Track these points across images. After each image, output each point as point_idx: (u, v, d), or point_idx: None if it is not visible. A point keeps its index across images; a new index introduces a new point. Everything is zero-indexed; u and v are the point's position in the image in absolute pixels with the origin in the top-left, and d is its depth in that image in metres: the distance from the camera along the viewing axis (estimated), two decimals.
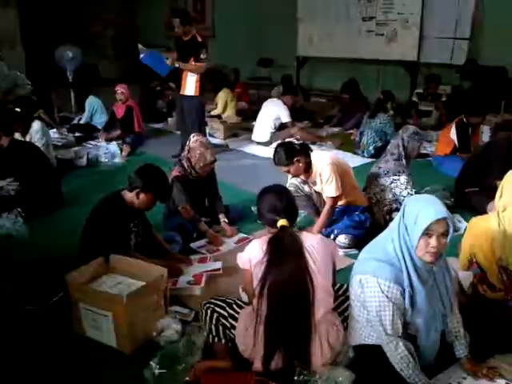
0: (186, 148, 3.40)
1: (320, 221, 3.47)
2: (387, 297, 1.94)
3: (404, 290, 1.96)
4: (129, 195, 2.76)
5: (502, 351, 2.28)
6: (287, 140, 5.38)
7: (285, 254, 2.05)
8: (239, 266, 2.24)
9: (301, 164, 3.38)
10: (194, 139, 3.38)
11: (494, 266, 2.43)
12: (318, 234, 2.23)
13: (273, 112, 6.05)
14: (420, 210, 1.90)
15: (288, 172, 3.47)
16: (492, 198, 3.68)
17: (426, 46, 7.80)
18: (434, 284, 2.04)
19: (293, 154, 3.36)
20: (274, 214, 2.16)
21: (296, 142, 4.03)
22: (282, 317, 2.04)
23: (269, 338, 2.04)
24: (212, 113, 6.96)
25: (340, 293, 2.38)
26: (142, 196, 2.74)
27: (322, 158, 3.45)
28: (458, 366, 2.16)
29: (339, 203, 3.55)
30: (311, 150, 3.53)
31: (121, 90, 5.98)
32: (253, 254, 2.13)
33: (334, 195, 3.41)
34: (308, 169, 3.44)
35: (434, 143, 5.67)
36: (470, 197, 3.92)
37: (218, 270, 3.04)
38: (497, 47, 7.00)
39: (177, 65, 5.05)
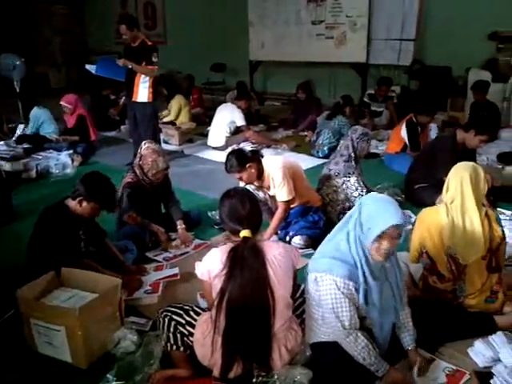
0: (138, 155, 3.36)
1: (272, 225, 3.48)
2: (343, 293, 1.98)
3: (359, 286, 2.01)
4: (72, 203, 2.68)
5: (452, 339, 2.38)
6: (241, 145, 5.46)
7: (245, 267, 1.99)
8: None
9: (253, 170, 3.38)
10: (145, 146, 3.34)
11: (443, 255, 2.51)
12: (280, 243, 2.16)
13: (227, 116, 6.06)
14: (377, 215, 1.94)
15: (240, 179, 3.46)
16: (439, 193, 3.86)
17: (374, 48, 8.04)
18: (385, 279, 2.10)
19: (244, 161, 3.34)
20: (236, 223, 2.08)
21: (249, 148, 4.06)
22: (240, 329, 2.01)
23: (227, 349, 2.02)
24: (164, 119, 6.88)
25: (298, 295, 2.39)
26: (84, 204, 2.66)
27: (273, 163, 3.46)
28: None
29: (293, 205, 3.59)
30: (262, 156, 3.56)
31: (63, 103, 5.85)
32: (212, 266, 2.06)
33: (287, 199, 3.44)
34: (260, 175, 3.44)
35: (386, 142, 5.81)
36: (419, 193, 4.04)
37: (176, 275, 3.00)
38: (441, 47, 7.30)
39: (130, 66, 4.96)
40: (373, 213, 1.95)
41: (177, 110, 6.99)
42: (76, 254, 2.70)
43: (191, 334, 2.16)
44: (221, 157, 5.63)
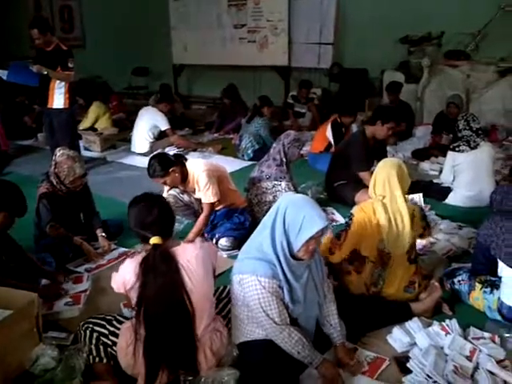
0: (53, 163, 3.20)
1: (196, 227, 3.47)
2: (269, 292, 2.01)
3: (282, 285, 2.05)
4: None
5: (373, 328, 2.48)
6: (166, 150, 5.38)
7: (157, 275, 1.94)
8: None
9: (177, 174, 3.34)
10: (59, 153, 3.19)
11: (375, 251, 2.60)
12: (198, 243, 2.13)
13: (149, 121, 5.93)
14: (304, 220, 1.97)
15: (165, 184, 3.42)
16: (357, 189, 4.03)
17: (295, 52, 8.23)
18: (309, 276, 2.15)
19: (167, 165, 3.30)
20: (144, 230, 2.01)
21: (173, 152, 4.02)
22: (161, 338, 1.97)
23: (149, 359, 1.98)
24: (80, 127, 6.52)
25: (223, 295, 2.40)
26: None
27: (197, 166, 3.45)
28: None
29: (218, 208, 3.59)
30: (186, 159, 3.53)
31: None
32: (126, 278, 2.00)
33: (212, 201, 3.44)
34: (184, 178, 3.41)
35: (309, 143, 5.96)
36: (339, 190, 4.18)
37: (85, 291, 2.87)
38: (358, 51, 7.61)
39: (45, 72, 4.72)
40: (298, 219, 1.98)
41: (94, 117, 6.70)
42: None
43: (115, 344, 2.11)
44: (145, 162, 5.52)
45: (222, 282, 2.77)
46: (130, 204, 2.11)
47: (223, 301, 2.38)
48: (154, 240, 1.98)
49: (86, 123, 6.67)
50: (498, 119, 6.16)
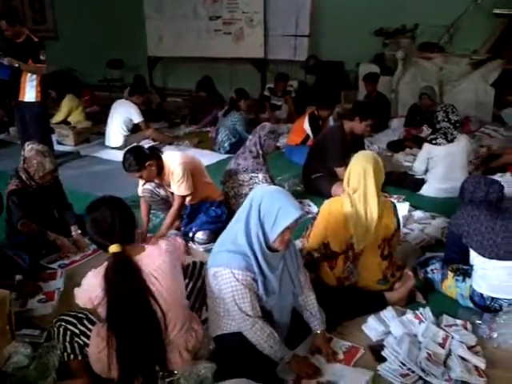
0: (22, 158, 3.13)
1: (167, 221, 3.45)
2: (242, 284, 2.01)
3: (257, 277, 2.05)
4: None
5: (349, 318, 2.52)
6: (142, 143, 5.30)
7: (121, 287, 1.86)
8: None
9: (153, 168, 3.30)
10: (28, 148, 3.11)
11: (343, 244, 2.62)
12: (162, 244, 2.04)
13: (122, 114, 5.84)
14: (279, 211, 1.97)
15: (140, 178, 3.38)
16: (334, 181, 4.06)
17: (271, 44, 8.20)
18: (284, 267, 2.16)
19: (143, 159, 3.25)
20: (102, 238, 1.91)
21: (148, 145, 3.98)
22: (133, 348, 1.93)
23: (123, 367, 1.94)
24: (53, 120, 6.32)
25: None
26: None
27: (173, 159, 3.42)
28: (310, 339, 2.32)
29: (194, 201, 3.58)
30: (162, 152, 3.49)
31: None
32: (93, 294, 1.90)
33: (184, 194, 3.42)
34: (160, 172, 3.38)
35: (286, 135, 5.97)
36: (316, 182, 4.21)
37: (59, 288, 2.83)
38: (333, 43, 7.63)
39: (16, 64, 4.61)
40: (273, 210, 1.98)
41: (67, 111, 6.54)
42: None
43: (86, 345, 2.06)
44: (120, 156, 5.43)
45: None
46: (88, 209, 1.98)
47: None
48: (113, 248, 1.87)
49: (58, 117, 6.52)
50: (471, 111, 6.27)
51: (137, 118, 5.88)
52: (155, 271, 1.93)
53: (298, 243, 2.85)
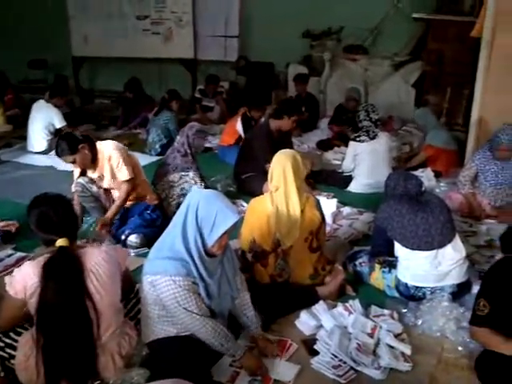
0: None
1: (113, 208, 3.40)
2: (186, 289, 1.99)
3: (197, 282, 2.04)
4: None
5: (282, 314, 2.56)
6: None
7: (61, 280, 1.85)
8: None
9: (86, 151, 3.29)
10: None
11: (269, 242, 2.67)
12: (103, 247, 2.07)
13: (43, 118, 5.55)
14: (217, 216, 1.98)
15: (74, 162, 3.31)
16: (265, 180, 4.10)
17: (201, 44, 8.15)
18: (222, 271, 2.17)
19: (76, 142, 3.26)
20: (49, 233, 1.94)
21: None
22: (60, 346, 1.88)
23: (50, 371, 1.88)
24: None
25: (131, 296, 2.35)
26: None
27: (108, 145, 3.43)
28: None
29: (130, 197, 3.51)
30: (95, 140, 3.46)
31: None
32: (28, 283, 1.87)
33: (128, 178, 3.39)
34: (94, 158, 3.35)
35: (218, 136, 5.97)
36: (247, 182, 4.24)
37: None
38: (263, 44, 7.70)
39: None
40: (211, 215, 1.99)
41: None
42: None
43: (12, 357, 1.97)
44: (45, 161, 5.24)
45: None
46: (31, 205, 2.00)
47: (132, 301, 2.33)
48: (61, 242, 1.90)
49: None
50: (394, 110, 6.56)
51: (59, 123, 5.60)
52: (94, 267, 1.94)
53: (235, 243, 2.87)
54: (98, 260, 1.97)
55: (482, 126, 4.42)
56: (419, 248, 2.63)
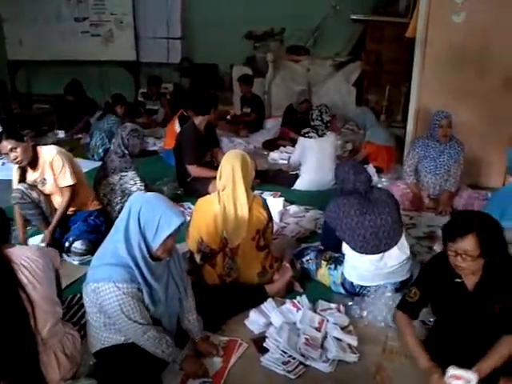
0: None
1: (56, 216, 3.33)
2: (129, 296, 1.96)
3: (142, 287, 2.01)
4: None
5: (232, 315, 2.56)
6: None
7: None
8: None
9: (29, 147, 3.22)
10: None
11: (217, 241, 2.67)
12: (33, 247, 2.03)
13: None
14: (160, 219, 1.95)
15: (15, 151, 3.14)
16: (209, 181, 4.10)
17: (143, 46, 8.06)
18: (169, 275, 2.15)
19: (21, 135, 3.21)
20: None
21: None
22: None
23: None
24: None
25: (74, 302, 2.34)
26: None
27: (49, 150, 3.36)
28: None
29: (70, 208, 3.41)
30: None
31: None
32: None
33: (71, 183, 3.32)
34: (35, 161, 3.27)
35: (163, 139, 5.89)
36: (192, 184, 4.22)
37: None
38: (207, 46, 7.69)
39: None
40: (154, 219, 1.96)
41: None
42: None
43: None
44: None
45: (74, 291, 2.65)
46: None
47: (74, 307, 2.29)
48: None
49: None
50: (336, 109, 6.71)
51: None
52: (25, 261, 1.94)
53: (183, 247, 2.85)
54: (28, 255, 1.98)
55: (419, 120, 4.63)
56: (366, 252, 2.66)
